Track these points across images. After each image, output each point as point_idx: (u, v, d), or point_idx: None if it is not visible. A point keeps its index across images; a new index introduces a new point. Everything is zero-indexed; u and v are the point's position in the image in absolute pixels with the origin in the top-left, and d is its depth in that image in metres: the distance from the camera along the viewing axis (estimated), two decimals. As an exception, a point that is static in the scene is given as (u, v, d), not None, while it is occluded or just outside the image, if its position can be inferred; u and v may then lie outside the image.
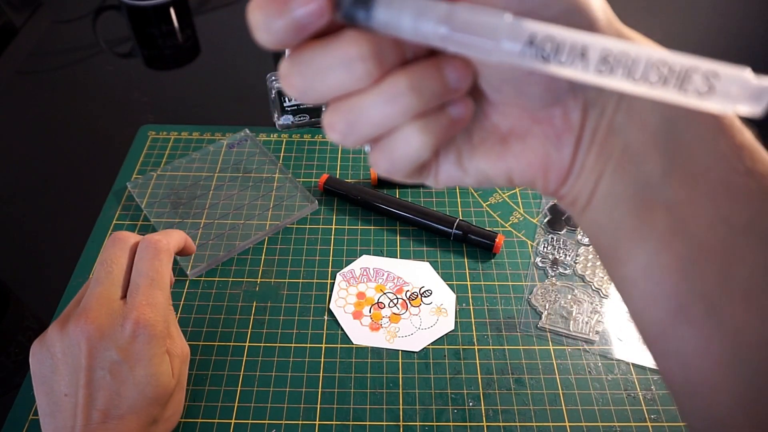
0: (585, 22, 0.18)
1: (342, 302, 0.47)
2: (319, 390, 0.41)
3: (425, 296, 0.47)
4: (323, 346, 0.44)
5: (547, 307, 0.46)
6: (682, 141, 0.19)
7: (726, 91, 0.15)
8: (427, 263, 0.49)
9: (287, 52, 0.19)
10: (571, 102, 0.20)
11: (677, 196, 0.19)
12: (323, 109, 0.19)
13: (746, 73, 0.15)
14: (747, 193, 0.19)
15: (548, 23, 0.16)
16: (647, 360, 0.43)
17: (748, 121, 0.19)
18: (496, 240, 0.49)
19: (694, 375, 0.20)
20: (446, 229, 0.50)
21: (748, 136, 0.19)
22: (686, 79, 0.15)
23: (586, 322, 0.45)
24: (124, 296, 0.34)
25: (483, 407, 0.41)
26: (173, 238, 0.38)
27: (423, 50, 0.19)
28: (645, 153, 0.20)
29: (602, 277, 0.48)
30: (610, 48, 0.16)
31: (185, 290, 0.47)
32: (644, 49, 0.15)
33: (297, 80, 0.18)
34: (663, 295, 0.20)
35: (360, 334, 0.44)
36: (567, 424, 0.40)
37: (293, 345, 0.44)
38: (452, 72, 0.19)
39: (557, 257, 0.49)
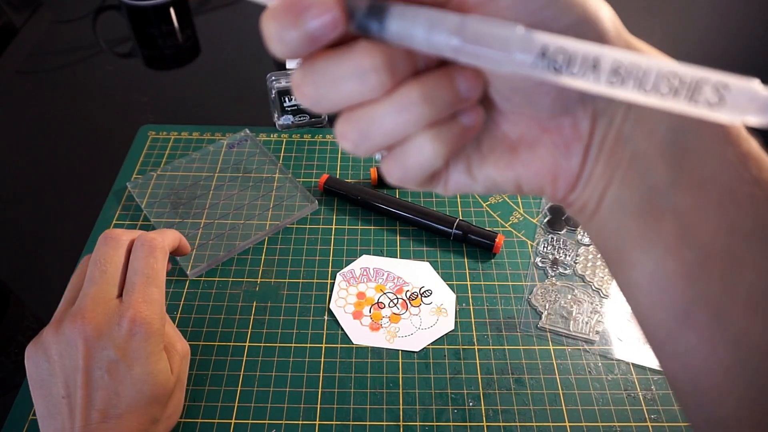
0: (595, 33, 0.18)
1: (342, 302, 0.47)
2: (319, 390, 0.41)
3: (425, 296, 0.47)
4: (323, 346, 0.44)
5: (547, 307, 0.46)
6: (690, 150, 0.19)
7: (736, 102, 0.15)
8: (427, 263, 0.49)
9: (299, 61, 0.19)
10: (581, 111, 0.20)
11: (684, 204, 0.20)
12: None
13: (755, 85, 0.15)
14: (753, 201, 0.19)
15: (559, 35, 0.16)
16: (647, 360, 0.43)
17: (754, 131, 0.19)
18: (496, 240, 0.49)
19: (698, 378, 0.21)
20: (446, 229, 0.50)
21: (754, 145, 0.20)
22: (697, 91, 0.15)
23: (586, 322, 0.45)
24: (119, 295, 0.34)
25: (483, 407, 0.41)
26: (168, 237, 0.38)
27: (434, 60, 0.19)
28: (653, 161, 0.20)
29: (602, 277, 0.48)
30: (621, 60, 0.16)
31: (185, 290, 0.47)
32: (655, 60, 0.16)
33: (310, 90, 0.19)
34: (669, 301, 0.20)
35: (360, 334, 0.44)
36: (567, 424, 0.40)
37: (293, 345, 0.44)
38: (463, 81, 0.19)
39: (557, 257, 0.49)
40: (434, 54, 0.18)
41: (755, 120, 0.15)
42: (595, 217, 0.22)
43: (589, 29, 0.18)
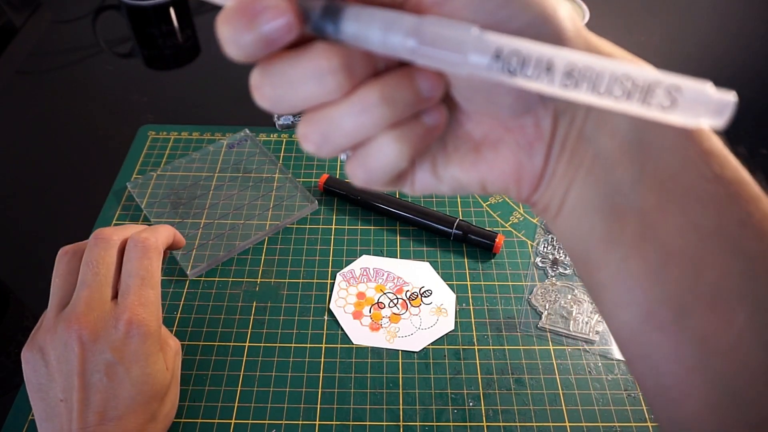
0: (552, 32, 0.18)
1: (342, 302, 0.47)
2: (319, 390, 0.41)
3: (425, 296, 0.47)
4: (323, 346, 0.44)
5: (547, 307, 0.46)
6: (652, 148, 0.19)
7: (689, 105, 0.15)
8: (427, 263, 0.49)
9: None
10: (542, 111, 0.20)
11: (647, 203, 0.20)
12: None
13: (708, 87, 0.15)
14: (715, 200, 0.19)
15: (515, 36, 0.16)
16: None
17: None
18: (496, 240, 0.49)
19: (663, 379, 0.21)
20: (446, 229, 0.50)
21: (716, 142, 0.20)
22: (649, 93, 0.15)
23: (586, 322, 0.45)
24: (114, 296, 0.34)
25: (483, 407, 0.41)
26: (161, 235, 0.37)
27: (394, 60, 0.19)
28: (615, 160, 0.20)
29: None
30: (575, 62, 0.16)
31: (185, 290, 0.47)
32: (609, 63, 0.16)
33: (268, 91, 0.18)
34: (634, 301, 0.20)
35: (360, 334, 0.44)
36: (567, 424, 0.40)
37: (293, 345, 0.44)
38: (424, 81, 0.19)
39: (557, 257, 0.49)
40: (390, 56, 0.18)
41: (708, 122, 0.15)
42: (559, 216, 0.22)
43: (546, 29, 0.18)
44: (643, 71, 0.15)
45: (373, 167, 0.20)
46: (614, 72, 0.16)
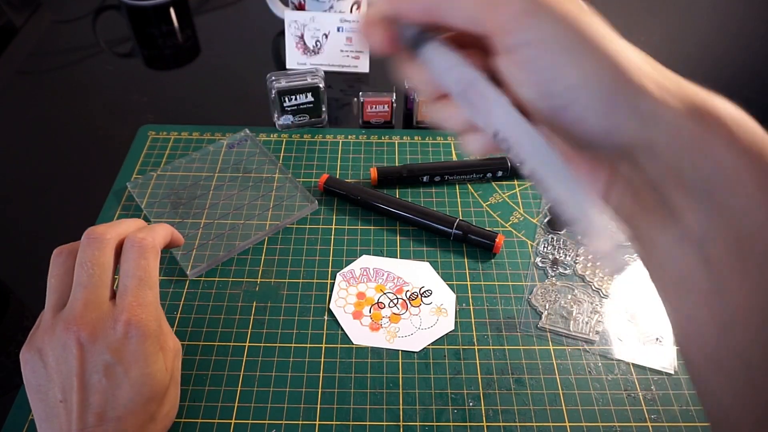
0: (612, 80, 0.20)
1: (342, 302, 0.47)
2: (319, 390, 0.41)
3: (425, 296, 0.47)
4: (323, 346, 0.44)
5: (547, 307, 0.46)
6: (725, 207, 0.19)
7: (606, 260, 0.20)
8: (427, 263, 0.49)
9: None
10: (601, 150, 0.22)
11: (718, 256, 0.20)
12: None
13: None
14: None
15: (518, 121, 0.21)
16: (647, 360, 0.43)
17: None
18: (496, 240, 0.49)
19: (730, 420, 0.21)
20: (446, 229, 0.50)
21: None
22: (585, 232, 0.20)
23: (586, 322, 0.45)
24: (112, 296, 0.34)
25: (483, 407, 0.41)
26: (159, 234, 0.37)
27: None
28: (684, 208, 0.20)
29: (602, 277, 0.48)
30: (536, 168, 0.21)
31: (185, 290, 0.47)
32: (562, 182, 0.20)
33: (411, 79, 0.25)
34: (702, 344, 0.21)
35: (360, 334, 0.44)
36: (567, 424, 0.40)
37: (293, 345, 0.44)
38: None
39: (557, 257, 0.49)
40: (444, 86, 0.23)
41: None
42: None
43: (613, 87, 0.20)
44: (578, 200, 0.19)
45: (470, 149, 0.25)
46: (558, 195, 0.20)
